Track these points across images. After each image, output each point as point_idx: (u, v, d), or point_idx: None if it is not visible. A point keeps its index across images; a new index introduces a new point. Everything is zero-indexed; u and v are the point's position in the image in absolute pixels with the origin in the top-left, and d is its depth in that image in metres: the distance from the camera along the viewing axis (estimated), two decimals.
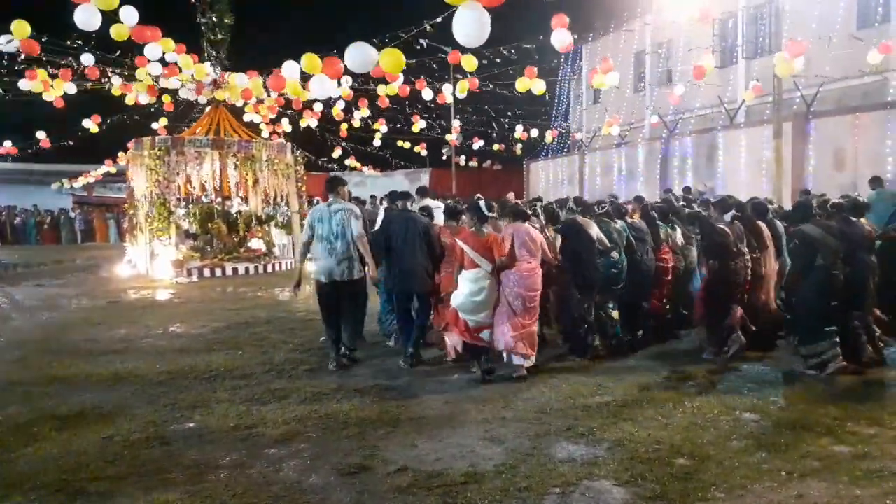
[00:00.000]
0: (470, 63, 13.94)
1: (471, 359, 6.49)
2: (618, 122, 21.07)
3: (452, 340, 6.44)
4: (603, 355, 7.16)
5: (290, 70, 12.93)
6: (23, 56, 13.37)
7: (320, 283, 6.95)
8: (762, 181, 15.73)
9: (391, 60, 8.56)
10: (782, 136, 14.68)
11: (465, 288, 6.31)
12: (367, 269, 7.02)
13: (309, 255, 7.24)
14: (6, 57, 13.98)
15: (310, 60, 10.58)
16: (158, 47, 13.44)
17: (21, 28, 12.11)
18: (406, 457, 4.58)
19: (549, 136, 25.05)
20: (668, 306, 8.08)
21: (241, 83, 16.10)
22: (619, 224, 7.52)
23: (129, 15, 11.88)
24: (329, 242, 6.78)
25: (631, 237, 7.49)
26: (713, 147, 18.30)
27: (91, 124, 19.72)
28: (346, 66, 9.18)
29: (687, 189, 16.52)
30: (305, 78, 12.31)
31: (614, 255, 7.24)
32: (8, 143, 21.74)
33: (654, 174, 20.88)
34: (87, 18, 10.68)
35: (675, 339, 8.03)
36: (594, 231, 7.14)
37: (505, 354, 6.57)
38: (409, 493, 4.05)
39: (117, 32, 12.17)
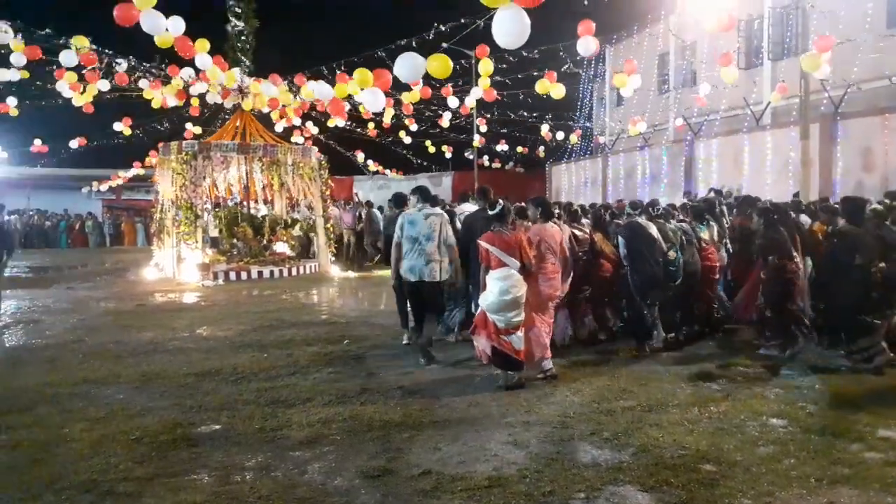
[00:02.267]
0: (487, 68, 13.98)
1: (498, 367, 6.34)
2: (643, 120, 20.97)
3: (481, 344, 6.35)
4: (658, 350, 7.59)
5: (318, 88, 13.25)
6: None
7: (407, 280, 7.32)
8: (789, 184, 15.52)
9: (439, 66, 8.77)
10: (809, 137, 14.48)
11: (495, 287, 6.21)
12: (451, 272, 7.41)
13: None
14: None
15: (362, 75, 10.91)
16: (201, 55, 13.72)
17: (81, 41, 12.66)
18: (430, 460, 4.59)
19: (574, 137, 24.95)
20: (716, 305, 8.48)
21: (267, 90, 16.30)
22: (672, 224, 7.91)
23: (177, 26, 12.25)
24: (419, 243, 7.18)
25: (682, 238, 7.80)
26: (738, 149, 18.10)
27: (122, 127, 20.01)
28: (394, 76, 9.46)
29: (714, 191, 16.33)
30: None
31: (671, 253, 7.58)
32: (38, 142, 21.88)
33: (678, 177, 20.70)
34: (152, 23, 11.33)
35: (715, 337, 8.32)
36: (654, 231, 7.53)
37: (543, 362, 6.59)
38: (432, 496, 4.05)
39: (161, 41, 12.46)
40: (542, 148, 28.38)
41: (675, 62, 24.32)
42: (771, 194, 14.22)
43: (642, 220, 7.71)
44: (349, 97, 14.09)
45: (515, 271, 6.22)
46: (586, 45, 11.28)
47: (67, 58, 13.34)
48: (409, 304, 7.73)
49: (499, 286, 6.19)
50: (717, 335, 8.36)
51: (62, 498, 4.11)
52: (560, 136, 23.58)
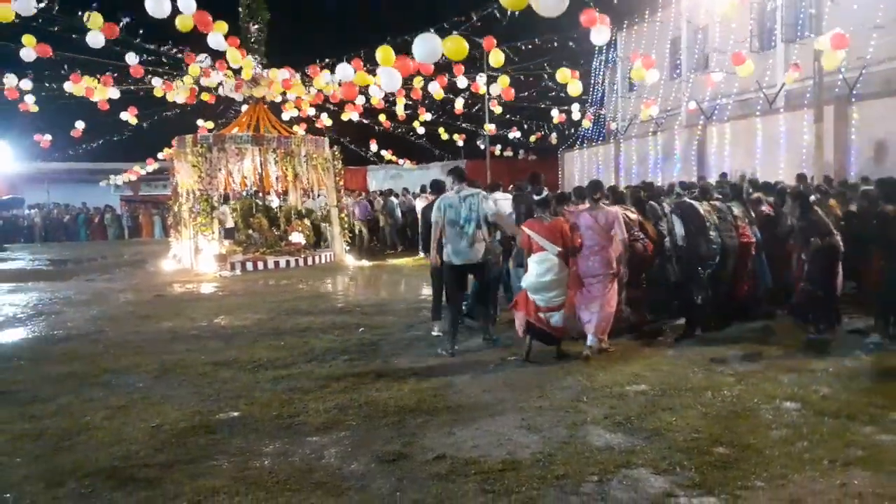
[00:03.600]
0: (497, 59, 13.95)
1: (533, 339, 6.71)
2: (655, 104, 20.89)
3: (519, 319, 6.76)
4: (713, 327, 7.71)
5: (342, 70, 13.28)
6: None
7: (449, 265, 7.21)
8: (802, 167, 15.39)
9: (454, 47, 8.78)
10: (823, 120, 14.33)
11: (534, 270, 6.64)
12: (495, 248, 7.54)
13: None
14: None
15: (384, 53, 10.88)
16: (219, 36, 13.67)
17: (96, 20, 12.68)
18: (444, 444, 4.65)
19: (586, 121, 24.80)
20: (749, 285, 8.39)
21: (282, 76, 16.38)
22: (706, 205, 7.91)
23: (188, 5, 12.17)
24: (460, 227, 7.10)
25: (715, 218, 7.82)
26: (751, 133, 17.95)
27: (129, 116, 20.09)
28: (413, 57, 9.52)
29: (723, 175, 16.25)
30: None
31: (712, 233, 7.63)
32: (48, 136, 21.75)
33: (691, 161, 20.57)
34: (156, 6, 11.25)
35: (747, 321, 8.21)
36: (703, 209, 7.69)
37: (591, 336, 6.79)
38: (447, 479, 4.11)
39: (182, 24, 12.46)
40: (553, 135, 28.26)
41: (687, 46, 24.06)
42: (784, 178, 14.12)
43: (689, 199, 7.91)
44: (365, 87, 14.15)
45: (553, 255, 6.54)
46: (599, 35, 11.19)
47: (95, 38, 13.23)
48: (447, 288, 7.47)
49: (537, 269, 6.62)
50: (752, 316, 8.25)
51: (85, 484, 4.20)
52: (575, 116, 23.11)
